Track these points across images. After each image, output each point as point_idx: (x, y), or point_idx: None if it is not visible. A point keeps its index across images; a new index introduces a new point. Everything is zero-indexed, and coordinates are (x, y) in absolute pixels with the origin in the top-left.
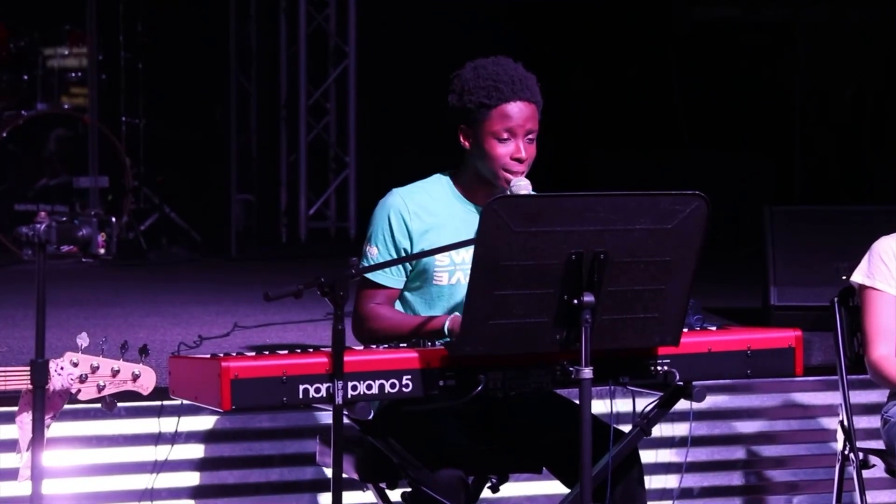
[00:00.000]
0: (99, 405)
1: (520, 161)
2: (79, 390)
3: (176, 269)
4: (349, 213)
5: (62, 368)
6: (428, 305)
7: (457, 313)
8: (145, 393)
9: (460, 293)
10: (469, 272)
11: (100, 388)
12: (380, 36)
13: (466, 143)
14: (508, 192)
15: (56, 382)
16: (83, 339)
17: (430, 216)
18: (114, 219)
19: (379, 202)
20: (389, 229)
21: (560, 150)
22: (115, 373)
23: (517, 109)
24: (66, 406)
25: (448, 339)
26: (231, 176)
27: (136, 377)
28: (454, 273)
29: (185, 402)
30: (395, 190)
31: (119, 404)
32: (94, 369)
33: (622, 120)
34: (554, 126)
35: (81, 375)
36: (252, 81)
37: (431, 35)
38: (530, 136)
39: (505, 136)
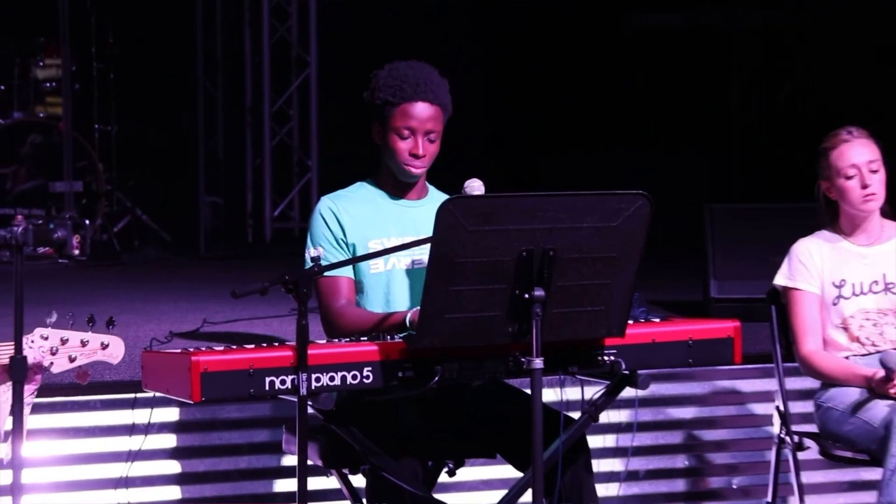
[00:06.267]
0: (76, 398)
1: (417, 157)
2: (52, 363)
3: (147, 268)
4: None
5: (33, 342)
6: (367, 295)
7: (417, 307)
8: (115, 362)
9: (397, 277)
10: (402, 257)
11: (71, 359)
12: (340, 46)
13: (377, 138)
14: (463, 194)
15: (28, 356)
16: (51, 316)
17: (357, 210)
18: (88, 221)
19: (312, 213)
20: (326, 226)
21: (514, 150)
22: (84, 343)
23: (419, 109)
24: (44, 399)
25: (409, 331)
26: (199, 179)
27: (104, 346)
28: (389, 259)
29: (157, 394)
30: (321, 198)
31: (94, 398)
32: (64, 341)
33: (573, 122)
34: (508, 128)
35: (52, 348)
36: (219, 89)
37: (389, 45)
38: (431, 136)
39: (406, 133)
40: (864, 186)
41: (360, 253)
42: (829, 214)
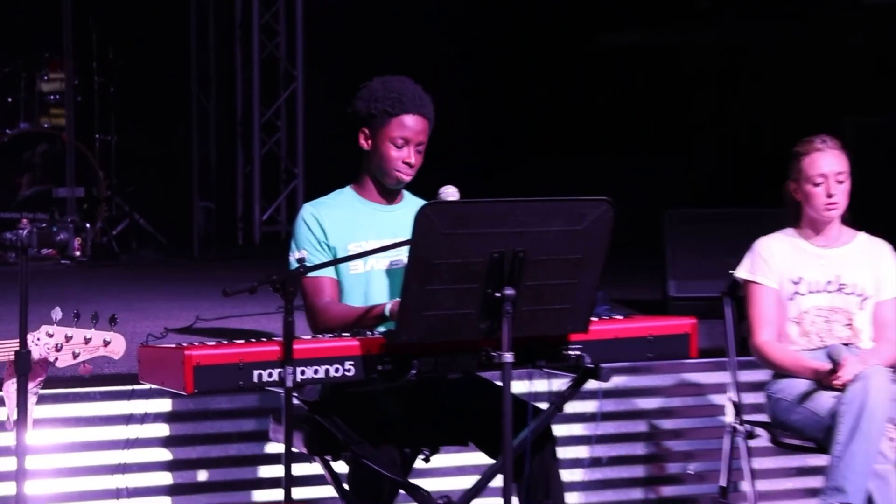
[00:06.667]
0: (78, 390)
1: (409, 166)
2: (56, 358)
3: (144, 269)
4: None
5: (39, 339)
6: (347, 295)
7: (396, 298)
8: (116, 357)
9: (375, 278)
10: (380, 258)
11: (75, 356)
12: (326, 61)
13: (366, 145)
14: (438, 199)
15: (34, 353)
16: (56, 313)
17: (338, 216)
18: (88, 225)
19: (296, 219)
20: (310, 231)
21: (495, 155)
22: (87, 340)
23: (413, 121)
24: (48, 391)
25: (391, 322)
26: (193, 186)
27: (106, 343)
28: (367, 260)
29: (153, 386)
30: (304, 205)
31: (94, 389)
32: (69, 338)
33: (552, 129)
34: (489, 134)
35: (57, 345)
36: (211, 102)
37: (374, 59)
38: (420, 147)
39: (400, 142)
40: (829, 195)
41: (340, 255)
42: (794, 214)
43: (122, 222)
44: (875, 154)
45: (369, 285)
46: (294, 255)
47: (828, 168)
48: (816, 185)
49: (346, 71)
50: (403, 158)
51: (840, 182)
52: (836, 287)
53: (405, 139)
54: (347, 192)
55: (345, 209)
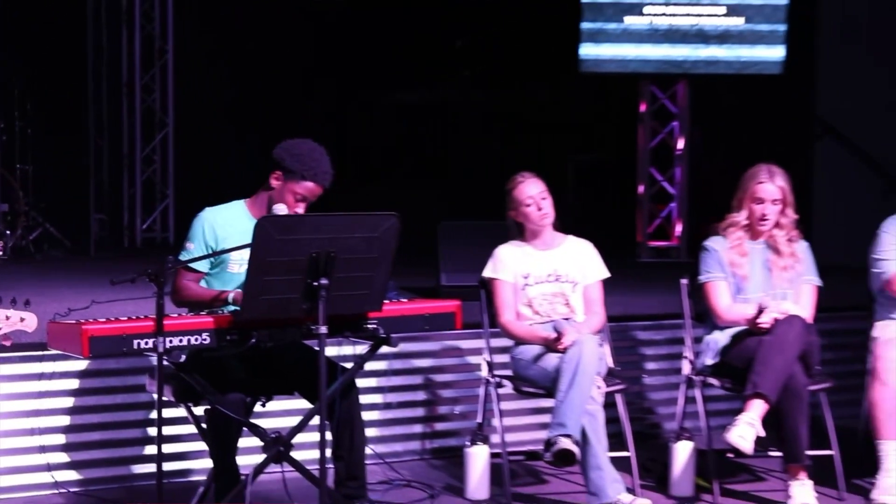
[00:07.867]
0: (2, 354)
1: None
2: None
3: (53, 265)
4: (169, 228)
5: None
6: (223, 284)
7: (238, 289)
8: (30, 331)
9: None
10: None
11: None
12: (190, 113)
13: (274, 184)
14: (272, 213)
15: None
16: None
17: (228, 226)
18: (9, 232)
19: (197, 214)
20: (202, 232)
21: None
22: (7, 318)
23: (316, 189)
24: None
25: (232, 305)
26: (90, 203)
27: (22, 320)
28: (242, 264)
29: (58, 352)
30: (206, 208)
31: (14, 354)
32: None
33: (361, 163)
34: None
35: None
36: (104, 140)
37: (226, 113)
38: (310, 204)
39: (300, 198)
40: (539, 209)
41: (225, 258)
42: (518, 231)
43: (36, 230)
44: (590, 182)
45: (240, 280)
46: (187, 244)
47: (532, 191)
48: (528, 205)
49: (205, 122)
50: (296, 209)
51: (544, 199)
52: (555, 278)
53: (304, 198)
54: (240, 206)
55: (234, 224)
